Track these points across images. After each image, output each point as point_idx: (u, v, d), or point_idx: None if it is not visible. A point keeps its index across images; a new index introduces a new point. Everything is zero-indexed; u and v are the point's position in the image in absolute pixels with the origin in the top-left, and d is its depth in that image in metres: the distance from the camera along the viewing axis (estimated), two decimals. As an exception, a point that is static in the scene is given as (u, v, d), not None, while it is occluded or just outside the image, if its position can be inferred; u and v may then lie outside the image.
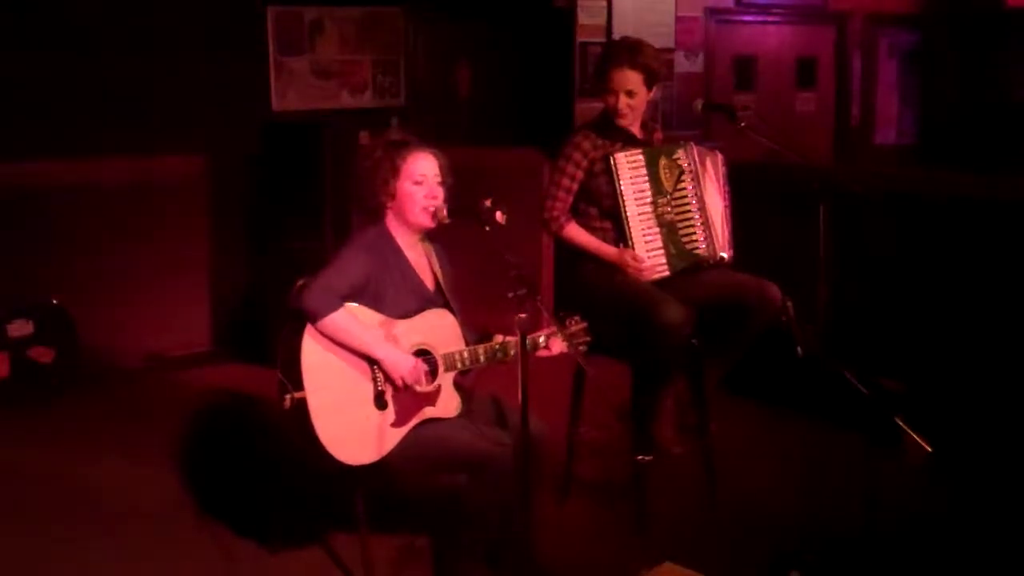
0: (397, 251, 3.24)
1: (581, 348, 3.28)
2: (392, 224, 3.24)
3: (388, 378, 3.09)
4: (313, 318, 3.00)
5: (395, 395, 3.11)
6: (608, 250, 3.75)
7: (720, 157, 3.94)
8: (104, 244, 5.54)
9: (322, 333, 3.01)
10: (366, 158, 3.22)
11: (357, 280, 3.08)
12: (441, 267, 3.35)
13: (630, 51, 3.70)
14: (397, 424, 3.11)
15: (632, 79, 3.68)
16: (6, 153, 5.19)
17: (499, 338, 3.26)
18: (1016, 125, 7.56)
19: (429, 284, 3.31)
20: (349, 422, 3.04)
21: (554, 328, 3.26)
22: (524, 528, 2.94)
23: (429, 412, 3.16)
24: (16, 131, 5.24)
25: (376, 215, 3.24)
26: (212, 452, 4.53)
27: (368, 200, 3.22)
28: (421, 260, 3.31)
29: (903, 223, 4.61)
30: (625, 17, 6.40)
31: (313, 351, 3.01)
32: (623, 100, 3.70)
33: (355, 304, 3.08)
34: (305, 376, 2.99)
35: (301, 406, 2.98)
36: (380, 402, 3.08)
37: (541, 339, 3.27)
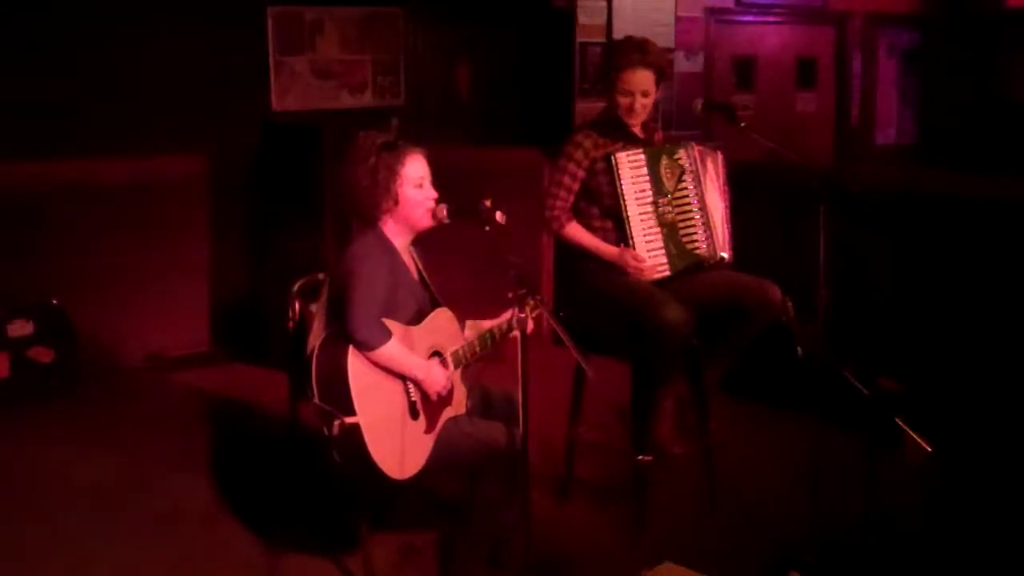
0: (396, 255, 3.21)
1: (535, 314, 3.17)
2: (388, 228, 3.19)
3: (424, 393, 3.11)
4: (366, 348, 2.98)
5: (424, 403, 3.12)
6: (609, 249, 3.75)
7: (721, 157, 3.93)
8: (104, 244, 5.54)
9: (372, 361, 3.00)
10: (360, 163, 3.11)
11: (383, 295, 3.06)
12: (423, 265, 3.35)
13: (641, 51, 3.68)
14: (428, 431, 3.13)
15: (647, 79, 3.68)
16: (6, 153, 5.19)
17: (484, 324, 3.29)
18: (1016, 125, 7.56)
19: (418, 283, 3.31)
20: (395, 438, 3.03)
21: (516, 310, 3.23)
22: (524, 528, 2.94)
23: (448, 412, 3.19)
24: (16, 131, 5.24)
25: (369, 219, 3.17)
26: (212, 452, 4.52)
27: (367, 205, 3.13)
28: (410, 261, 3.31)
29: (903, 223, 4.60)
30: (625, 17, 6.39)
31: (360, 374, 2.98)
32: (639, 100, 3.70)
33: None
34: (356, 400, 2.95)
35: (353, 431, 2.94)
36: (413, 412, 3.09)
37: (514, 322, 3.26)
